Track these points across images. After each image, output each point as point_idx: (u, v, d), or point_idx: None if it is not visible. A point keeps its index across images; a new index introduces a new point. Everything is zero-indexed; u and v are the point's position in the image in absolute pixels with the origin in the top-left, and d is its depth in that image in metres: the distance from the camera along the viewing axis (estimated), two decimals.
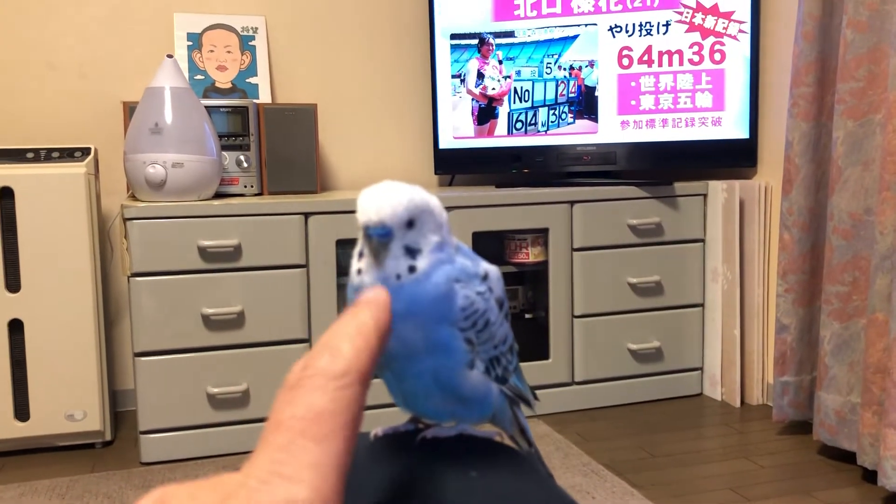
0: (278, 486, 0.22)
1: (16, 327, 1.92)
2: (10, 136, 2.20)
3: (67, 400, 1.96)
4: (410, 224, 0.35)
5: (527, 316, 2.35)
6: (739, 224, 2.24)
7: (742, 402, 2.29)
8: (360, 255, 0.36)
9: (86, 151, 2.00)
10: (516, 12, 2.38)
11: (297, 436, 0.23)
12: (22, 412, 1.95)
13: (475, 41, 2.40)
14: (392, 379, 0.38)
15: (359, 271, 0.36)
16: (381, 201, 0.34)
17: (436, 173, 2.49)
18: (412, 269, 0.35)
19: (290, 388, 0.25)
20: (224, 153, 2.08)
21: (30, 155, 1.97)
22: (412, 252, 0.35)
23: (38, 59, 2.22)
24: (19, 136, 2.21)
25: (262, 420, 1.98)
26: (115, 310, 2.32)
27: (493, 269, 0.39)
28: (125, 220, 1.87)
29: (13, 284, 1.91)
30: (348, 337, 0.26)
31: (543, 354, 2.22)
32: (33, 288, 1.92)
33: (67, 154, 1.99)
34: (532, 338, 2.27)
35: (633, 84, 2.34)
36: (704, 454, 1.94)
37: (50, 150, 1.99)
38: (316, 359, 0.25)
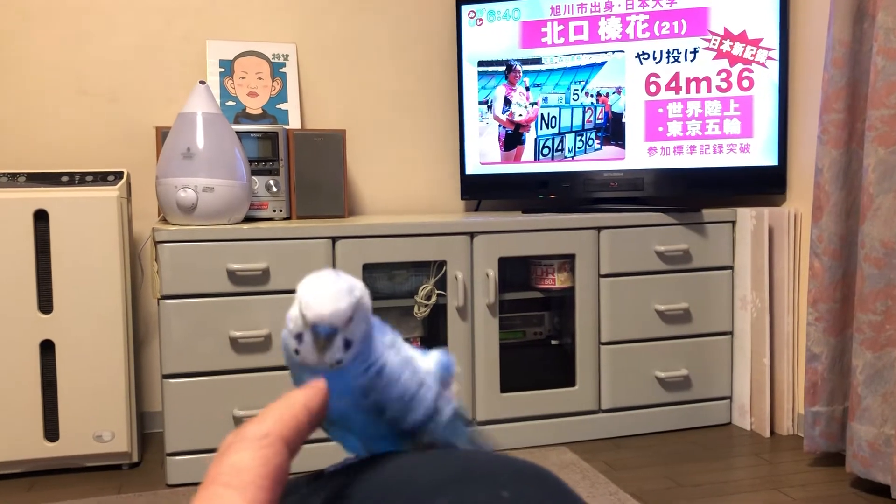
0: None
1: (47, 348, 1.95)
2: (45, 161, 2.25)
3: (96, 421, 1.98)
4: (350, 320, 0.39)
5: (553, 342, 2.34)
6: (769, 251, 2.22)
7: (772, 432, 2.25)
8: (299, 337, 0.40)
9: (119, 175, 2.04)
10: (543, 39, 2.39)
11: (221, 486, 0.27)
12: (51, 432, 1.97)
13: (502, 68, 2.42)
14: (348, 436, 0.44)
15: (296, 351, 0.41)
16: (328, 301, 0.39)
17: (462, 198, 2.50)
18: (340, 362, 0.40)
19: (220, 454, 0.29)
20: (254, 178, 2.10)
21: (64, 179, 2.01)
22: (348, 343, 0.40)
23: (71, 85, 2.27)
24: (54, 161, 2.25)
25: None
26: (144, 332, 2.35)
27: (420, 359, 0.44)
28: (156, 242, 1.90)
29: (46, 306, 1.95)
30: (275, 410, 0.31)
31: (570, 382, 2.20)
32: (65, 309, 1.95)
33: (101, 178, 2.03)
34: (558, 365, 2.26)
35: (660, 111, 2.34)
36: (733, 485, 1.91)
37: (84, 174, 2.03)
38: (243, 429, 0.30)
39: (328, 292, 0.39)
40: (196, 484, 1.93)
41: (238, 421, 1.94)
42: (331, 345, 0.39)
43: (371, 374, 0.41)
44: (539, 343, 2.33)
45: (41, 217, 1.94)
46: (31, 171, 2.01)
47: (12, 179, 1.98)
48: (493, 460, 0.40)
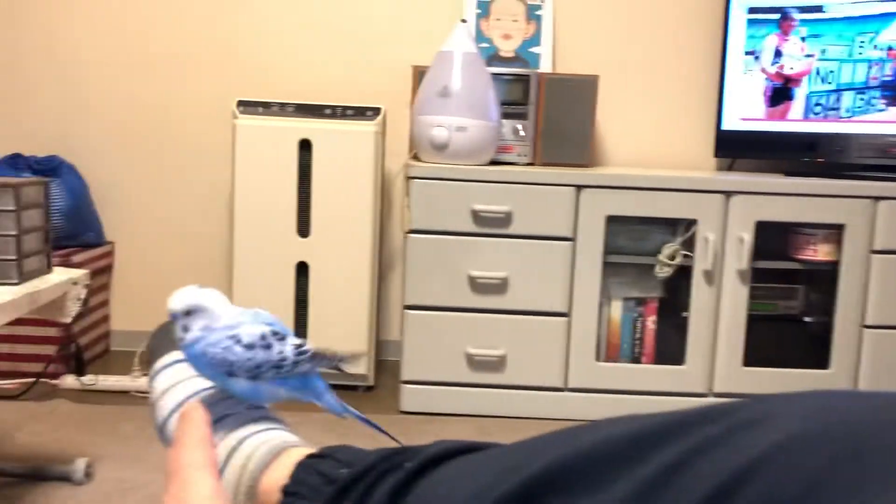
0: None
1: (302, 270, 2.09)
2: (312, 93, 2.38)
3: (340, 341, 2.09)
4: (188, 313, 0.68)
5: (805, 319, 2.14)
6: None
7: None
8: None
9: (377, 111, 2.11)
10: None
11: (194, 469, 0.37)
12: None
13: (776, 15, 2.21)
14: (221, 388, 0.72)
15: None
16: (174, 298, 0.67)
17: (715, 156, 2.33)
18: (181, 339, 0.69)
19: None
20: (502, 121, 2.09)
21: (327, 111, 2.11)
22: (186, 329, 0.68)
23: (341, 24, 2.37)
24: (319, 93, 2.38)
25: (516, 387, 1.99)
26: (386, 264, 2.44)
27: (244, 331, 0.69)
28: (408, 178, 1.95)
29: (304, 230, 2.07)
30: (196, 447, 0.41)
31: (822, 364, 2.01)
32: (320, 235, 2.06)
33: (360, 113, 2.11)
34: (810, 344, 2.07)
35: None
36: None
37: (345, 108, 2.12)
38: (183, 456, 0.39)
39: (177, 294, 0.67)
40: (426, 414, 2.00)
41: (470, 359, 1.97)
42: (175, 325, 0.68)
43: (213, 350, 0.68)
44: (790, 318, 2.14)
45: (305, 146, 2.05)
46: (299, 102, 2.13)
47: (282, 109, 2.11)
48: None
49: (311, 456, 0.57)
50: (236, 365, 0.68)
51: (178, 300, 0.67)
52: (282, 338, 0.71)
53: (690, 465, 0.31)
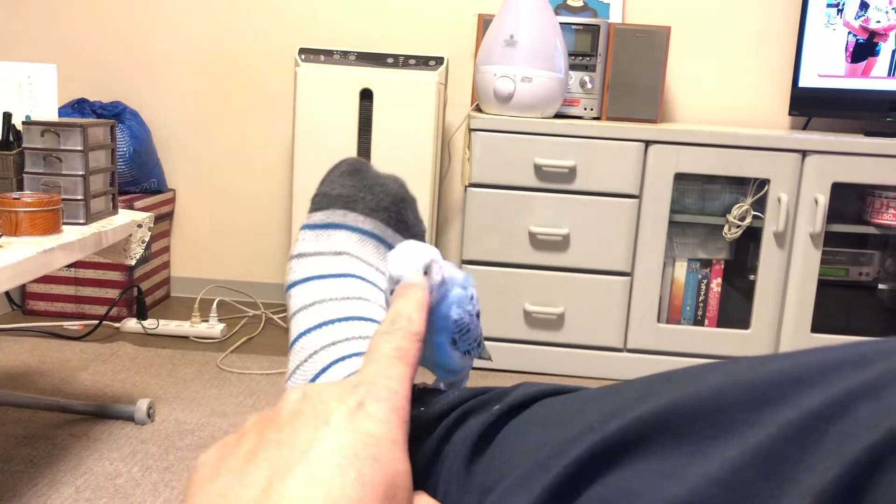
0: (386, 382, 0.34)
1: None
2: (374, 41, 2.34)
3: None
4: (425, 272, 0.48)
5: (880, 287, 2.06)
6: None
7: None
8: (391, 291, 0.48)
9: (439, 61, 2.06)
10: None
11: (394, 360, 0.36)
12: None
13: None
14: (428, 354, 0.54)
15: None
16: (406, 260, 0.47)
17: (790, 114, 2.23)
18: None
19: (384, 333, 0.38)
20: (569, 72, 2.03)
21: (389, 60, 2.07)
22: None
23: None
24: (383, 42, 2.34)
25: (574, 346, 1.96)
26: (443, 218, 2.42)
27: (475, 291, 0.54)
28: (470, 130, 1.91)
29: None
30: (416, 309, 0.39)
31: (894, 331, 1.93)
32: None
33: (423, 62, 2.06)
34: (883, 312, 1.99)
35: None
36: None
37: (407, 57, 2.07)
38: (399, 321, 0.38)
39: (403, 260, 0.46)
40: (482, 369, 1.98)
41: (528, 316, 1.94)
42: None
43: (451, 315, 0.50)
44: (863, 285, 2.06)
45: (366, 95, 2.02)
46: (361, 51, 2.09)
47: (344, 57, 2.08)
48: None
49: None
50: (470, 329, 0.52)
51: (414, 257, 0.47)
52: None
53: (848, 410, 0.27)
